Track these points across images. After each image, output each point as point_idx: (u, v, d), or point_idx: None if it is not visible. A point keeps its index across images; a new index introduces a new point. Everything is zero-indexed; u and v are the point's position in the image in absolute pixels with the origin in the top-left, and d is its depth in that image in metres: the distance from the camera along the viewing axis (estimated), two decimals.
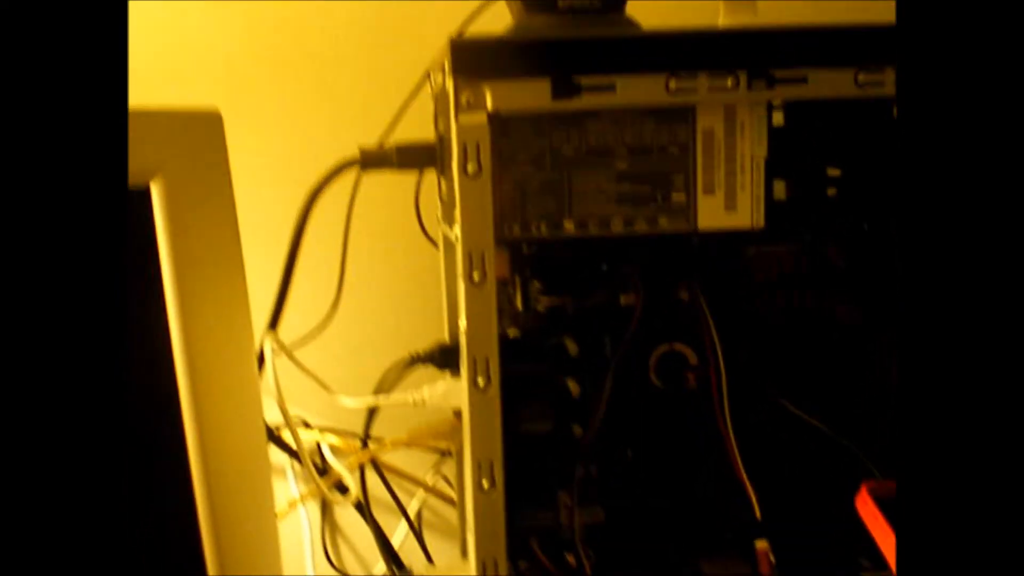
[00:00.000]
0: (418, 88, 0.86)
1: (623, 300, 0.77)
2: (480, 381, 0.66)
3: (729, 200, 0.69)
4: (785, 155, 0.76)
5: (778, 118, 0.77)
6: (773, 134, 0.75)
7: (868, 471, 0.77)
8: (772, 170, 0.74)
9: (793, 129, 0.78)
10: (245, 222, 0.64)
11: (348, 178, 0.84)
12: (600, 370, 0.78)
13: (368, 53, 1.07)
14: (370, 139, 0.84)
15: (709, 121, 0.68)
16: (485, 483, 0.66)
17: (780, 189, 0.77)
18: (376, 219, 0.98)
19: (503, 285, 0.78)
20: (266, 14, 1.07)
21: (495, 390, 0.66)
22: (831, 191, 0.82)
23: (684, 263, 0.78)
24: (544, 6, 0.72)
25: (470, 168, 0.64)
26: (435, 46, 0.68)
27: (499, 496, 0.66)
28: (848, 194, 0.81)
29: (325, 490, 0.83)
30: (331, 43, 1.07)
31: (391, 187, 0.90)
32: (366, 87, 1.06)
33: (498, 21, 0.76)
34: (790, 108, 0.75)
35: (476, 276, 0.65)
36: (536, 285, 0.78)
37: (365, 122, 0.91)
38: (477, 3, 0.85)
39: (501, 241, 0.67)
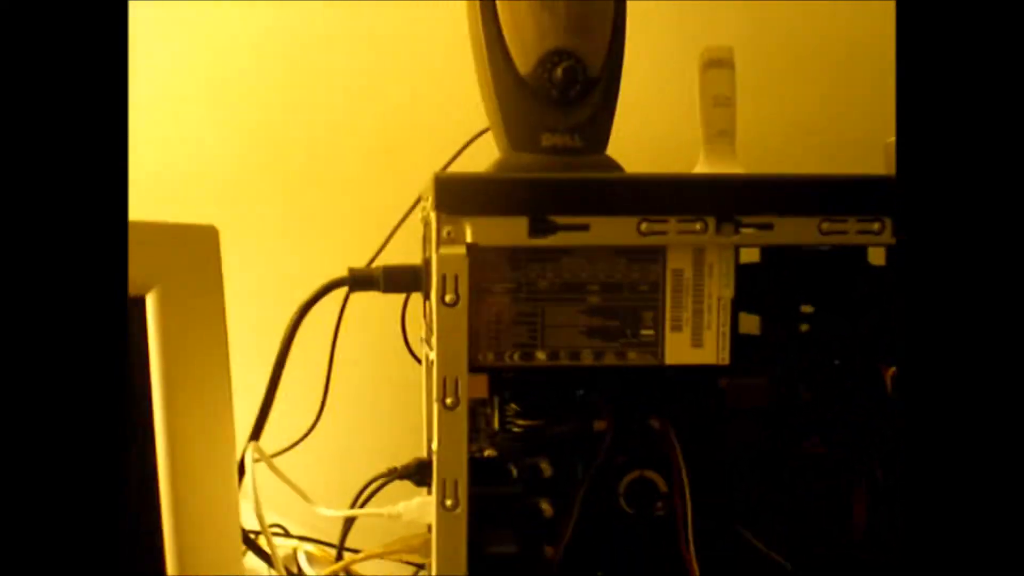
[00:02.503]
0: (410, 211, 0.90)
1: (596, 426, 0.80)
2: (448, 502, 0.68)
3: (696, 337, 0.72)
4: (758, 292, 0.80)
5: (753, 255, 0.81)
6: (748, 271, 0.79)
7: None
8: (744, 305, 0.77)
9: (767, 267, 0.81)
10: (236, 334, 0.67)
11: (339, 294, 0.87)
12: (572, 493, 0.80)
13: (366, 176, 1.11)
14: (362, 259, 0.87)
15: (678, 261, 0.71)
16: None
17: (751, 324, 0.80)
18: (365, 334, 1.01)
19: (482, 405, 0.80)
20: (268, 132, 1.11)
21: (462, 510, 0.68)
22: (803, 327, 0.85)
23: (657, 393, 0.80)
24: (527, 145, 0.76)
25: (448, 297, 0.67)
26: (429, 172, 0.72)
27: None
28: (819, 331, 0.84)
29: None
30: (330, 165, 1.12)
31: (381, 303, 0.94)
32: (362, 208, 1.10)
33: (492, 150, 0.80)
34: (765, 247, 0.79)
35: (449, 401, 0.68)
36: (513, 407, 0.80)
37: (360, 241, 0.95)
38: (471, 135, 0.89)
39: (475, 368, 0.70)
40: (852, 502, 0.82)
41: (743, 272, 0.80)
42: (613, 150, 0.79)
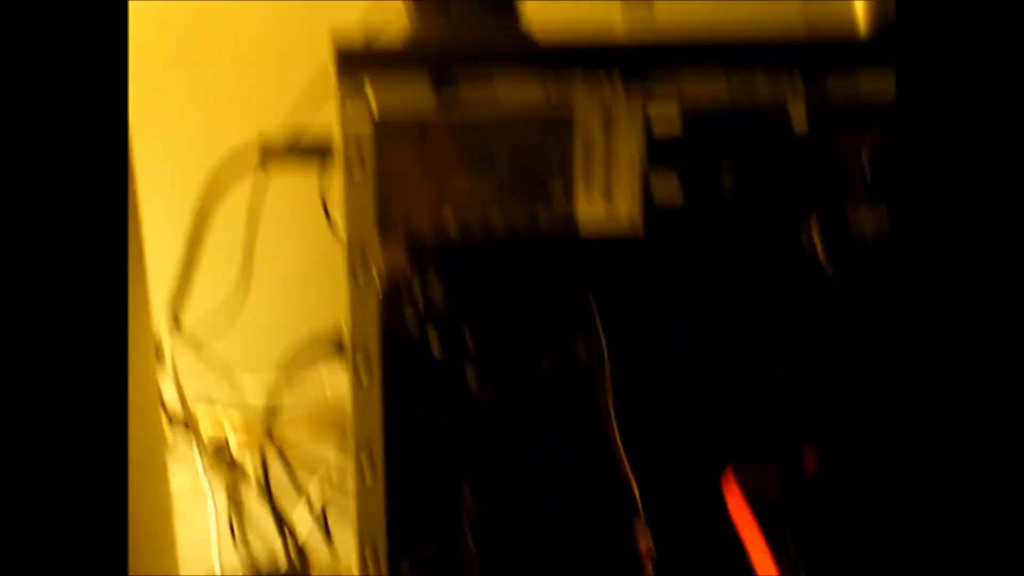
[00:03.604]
0: (320, 77, 0.87)
1: (519, 297, 0.79)
2: (363, 378, 0.68)
3: (608, 202, 0.71)
4: (679, 161, 0.78)
5: (673, 126, 0.80)
6: (669, 142, 0.78)
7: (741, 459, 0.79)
8: (664, 174, 0.76)
9: (687, 136, 0.80)
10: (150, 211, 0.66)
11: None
12: (498, 364, 0.80)
13: (278, 40, 1.08)
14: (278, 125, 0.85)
15: (588, 125, 0.69)
16: (368, 477, 0.68)
17: (671, 193, 0.79)
18: (287, 205, 0.99)
19: (404, 281, 0.80)
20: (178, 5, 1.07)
21: (376, 386, 0.68)
22: (726, 196, 0.85)
23: (577, 262, 0.80)
24: (435, 8, 0.74)
25: (354, 173, 0.66)
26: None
27: (380, 489, 0.69)
28: (742, 199, 0.83)
29: (224, 468, 0.85)
30: (245, 38, 1.08)
31: (304, 177, 0.92)
32: (280, 79, 1.06)
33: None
34: (686, 116, 0.77)
35: (359, 276, 0.67)
36: (436, 282, 0.80)
37: (275, 116, 0.92)
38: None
39: (387, 242, 0.69)
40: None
41: (664, 142, 0.79)
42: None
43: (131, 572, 0.63)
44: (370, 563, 0.69)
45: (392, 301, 0.77)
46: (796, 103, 0.71)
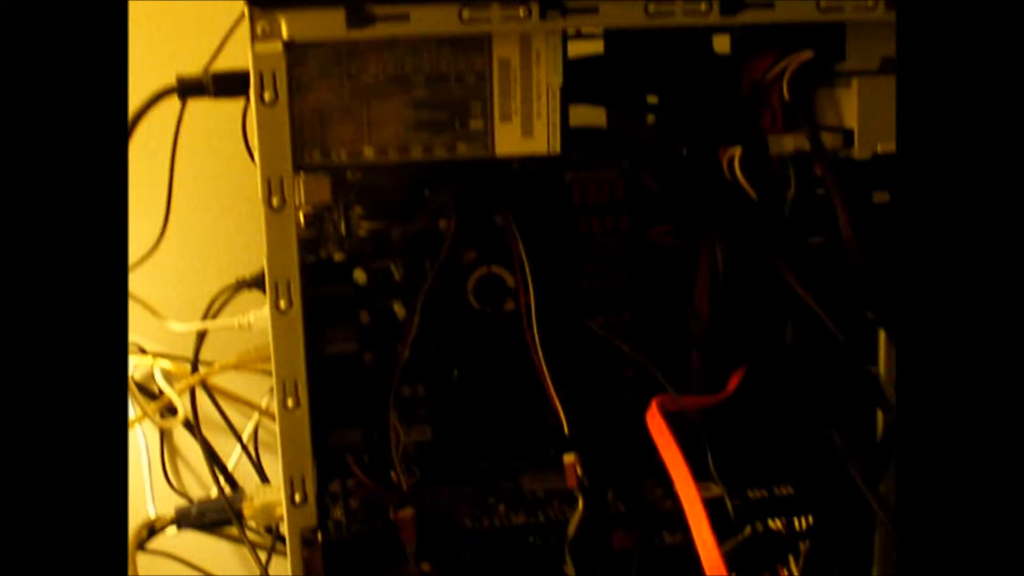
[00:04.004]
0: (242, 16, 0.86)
1: (442, 225, 0.79)
2: (282, 304, 0.68)
3: (526, 127, 0.71)
4: (602, 83, 0.79)
5: (597, 46, 0.80)
6: (591, 62, 0.78)
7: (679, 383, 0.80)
8: (589, 98, 0.76)
9: (611, 58, 0.80)
10: None
11: (175, 105, 0.84)
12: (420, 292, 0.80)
13: None
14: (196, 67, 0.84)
15: (504, 50, 0.69)
16: (290, 402, 0.68)
17: (598, 116, 0.79)
18: (207, 143, 0.98)
19: (327, 211, 0.79)
20: None
21: (296, 312, 0.68)
22: (649, 118, 0.85)
23: (502, 187, 0.80)
24: None
25: (267, 96, 0.65)
26: None
27: (304, 414, 0.68)
28: (666, 120, 0.84)
29: (151, 413, 0.85)
30: None
31: (224, 112, 0.91)
32: (193, 12, 1.05)
33: None
34: (609, 36, 0.77)
35: (275, 202, 0.66)
36: (358, 210, 0.79)
37: (193, 50, 0.91)
38: None
39: (303, 167, 0.69)
40: (695, 291, 0.83)
41: (588, 63, 0.79)
42: None
43: None
44: (296, 489, 0.69)
45: (312, 228, 0.77)
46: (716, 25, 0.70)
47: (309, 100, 0.68)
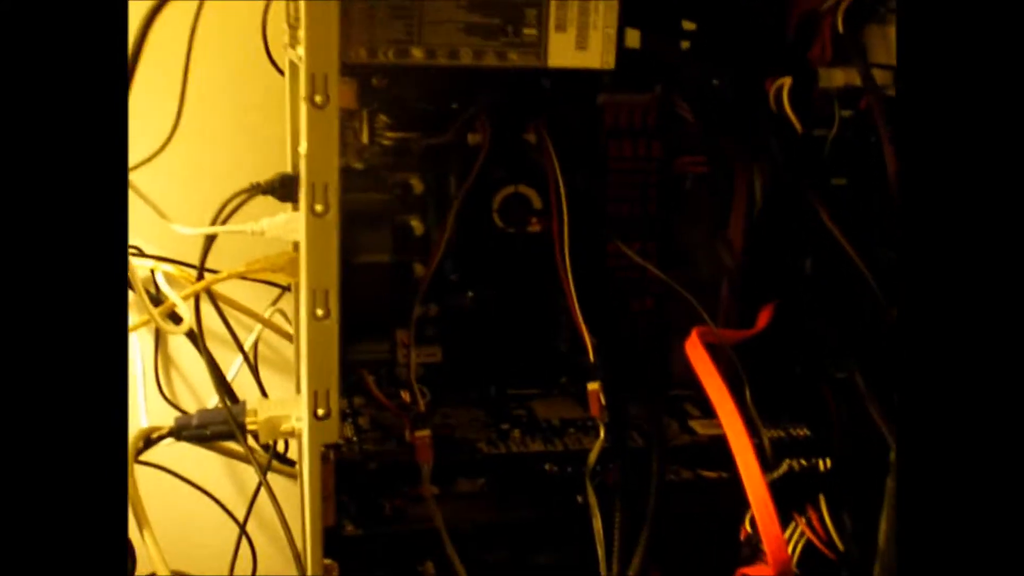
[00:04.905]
0: None
1: (471, 139, 0.76)
2: (319, 207, 0.64)
3: (581, 39, 0.68)
4: (642, 5, 0.76)
5: None
6: None
7: (699, 317, 0.78)
8: (627, 19, 0.73)
9: None
10: None
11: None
12: (444, 209, 0.77)
13: None
14: None
15: None
16: (319, 311, 0.65)
17: (633, 37, 0.76)
18: (223, 43, 0.94)
19: (349, 117, 0.76)
20: None
21: (333, 216, 0.64)
22: (684, 44, 0.82)
23: (534, 105, 0.77)
24: None
25: None
26: None
27: (333, 325, 0.66)
28: (701, 49, 0.81)
29: (158, 319, 0.81)
30: None
31: (241, 11, 0.87)
32: None
33: None
34: None
35: (319, 99, 0.63)
36: (383, 119, 0.76)
37: None
38: None
39: (347, 65, 0.65)
40: (729, 222, 0.81)
41: None
42: None
43: None
44: (320, 403, 0.66)
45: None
46: None
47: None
